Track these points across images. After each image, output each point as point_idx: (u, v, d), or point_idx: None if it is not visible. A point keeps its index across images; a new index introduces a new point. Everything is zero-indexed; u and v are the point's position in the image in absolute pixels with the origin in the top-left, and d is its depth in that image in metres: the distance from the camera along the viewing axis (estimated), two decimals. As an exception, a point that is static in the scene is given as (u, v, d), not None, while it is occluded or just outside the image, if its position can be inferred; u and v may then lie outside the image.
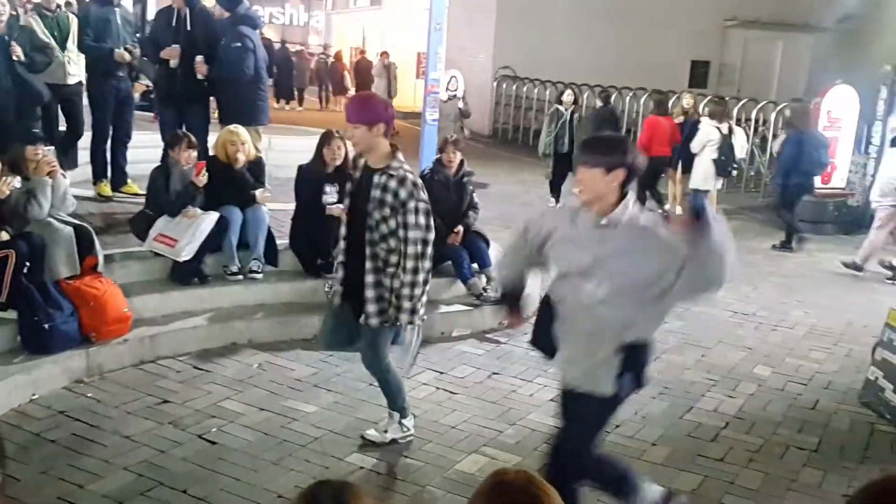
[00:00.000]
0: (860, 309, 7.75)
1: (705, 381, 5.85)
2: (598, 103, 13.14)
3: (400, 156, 4.24)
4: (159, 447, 4.41)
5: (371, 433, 4.67)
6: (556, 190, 11.14)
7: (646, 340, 3.38)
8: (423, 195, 4.21)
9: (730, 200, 12.27)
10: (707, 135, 10.19)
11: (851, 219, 10.87)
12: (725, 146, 10.10)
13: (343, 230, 4.43)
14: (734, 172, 10.67)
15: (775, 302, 7.83)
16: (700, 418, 5.23)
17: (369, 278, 4.22)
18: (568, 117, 11.06)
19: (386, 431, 4.65)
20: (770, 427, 5.17)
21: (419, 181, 4.28)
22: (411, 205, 4.13)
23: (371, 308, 4.23)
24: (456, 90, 11.94)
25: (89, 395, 4.98)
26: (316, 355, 5.82)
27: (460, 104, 11.89)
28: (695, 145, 10.25)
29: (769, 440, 4.99)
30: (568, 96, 11.31)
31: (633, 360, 3.33)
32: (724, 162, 10.14)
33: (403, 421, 4.66)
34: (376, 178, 4.17)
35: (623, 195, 3.25)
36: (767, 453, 4.83)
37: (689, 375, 5.93)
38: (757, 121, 14.25)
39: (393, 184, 4.13)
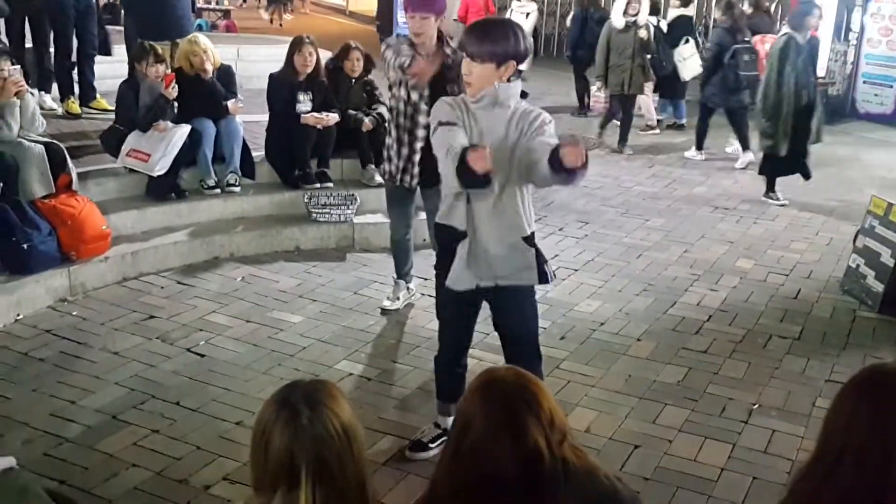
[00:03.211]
0: (842, 198, 7.80)
1: (688, 275, 5.90)
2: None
3: (451, 42, 4.36)
4: (148, 361, 4.41)
5: (387, 303, 5.13)
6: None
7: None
8: None
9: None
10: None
11: (832, 108, 10.83)
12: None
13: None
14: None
15: (756, 194, 7.84)
16: (684, 312, 5.29)
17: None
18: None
19: (399, 298, 5.13)
20: (753, 318, 5.24)
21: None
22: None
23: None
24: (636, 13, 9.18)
25: (74, 313, 4.96)
26: (299, 266, 5.80)
27: (643, 32, 9.21)
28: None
29: (752, 330, 5.07)
30: None
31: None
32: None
33: (410, 286, 5.17)
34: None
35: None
36: (750, 343, 4.90)
37: (672, 271, 5.98)
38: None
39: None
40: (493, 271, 3.34)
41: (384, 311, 5.11)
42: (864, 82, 11.22)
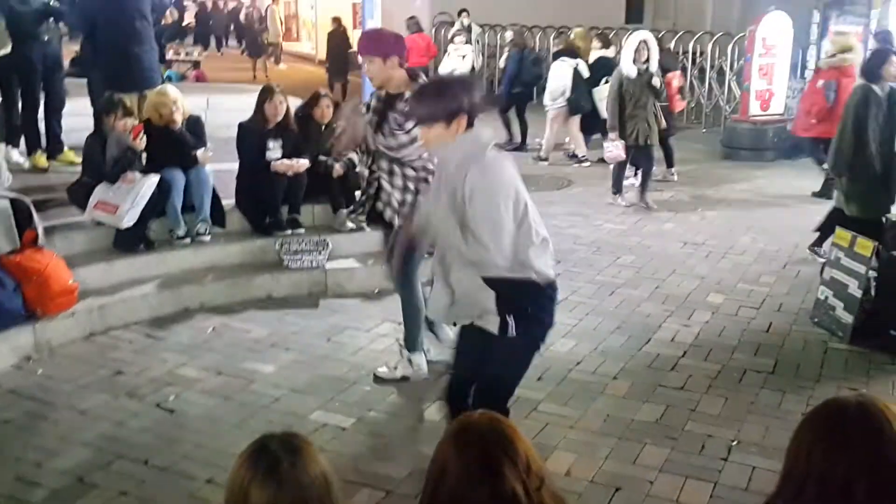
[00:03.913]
0: (806, 231, 7.88)
1: (661, 311, 5.91)
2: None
3: (421, 79, 4.31)
4: (116, 419, 4.31)
5: (382, 370, 4.81)
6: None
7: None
8: None
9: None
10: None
11: (790, 144, 10.99)
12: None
13: (365, 159, 4.62)
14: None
15: (723, 230, 7.92)
16: (658, 349, 5.29)
17: (396, 195, 4.41)
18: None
19: (396, 368, 4.78)
20: (727, 352, 5.25)
21: None
22: None
23: (388, 213, 4.44)
24: (647, 61, 8.62)
25: (40, 371, 4.85)
26: (271, 315, 5.74)
27: (656, 80, 8.68)
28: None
29: (727, 365, 5.07)
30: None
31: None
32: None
33: (413, 357, 4.75)
34: (399, 105, 4.28)
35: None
36: (726, 378, 4.90)
37: (645, 307, 5.99)
38: (694, 52, 14.30)
39: None
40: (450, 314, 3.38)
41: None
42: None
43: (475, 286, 3.23)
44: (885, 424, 1.72)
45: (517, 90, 11.58)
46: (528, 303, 3.28)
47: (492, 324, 3.26)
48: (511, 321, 3.24)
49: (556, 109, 10.73)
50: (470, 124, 3.21)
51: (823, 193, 8.81)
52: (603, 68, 10.38)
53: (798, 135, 9.62)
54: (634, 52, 8.55)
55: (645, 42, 8.57)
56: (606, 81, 9.98)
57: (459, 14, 15.21)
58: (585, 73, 10.54)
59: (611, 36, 12.40)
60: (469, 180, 3.11)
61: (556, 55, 11.00)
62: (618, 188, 8.93)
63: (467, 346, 3.52)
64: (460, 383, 3.59)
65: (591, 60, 10.81)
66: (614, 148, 8.64)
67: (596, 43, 11.11)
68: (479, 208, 3.09)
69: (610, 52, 11.03)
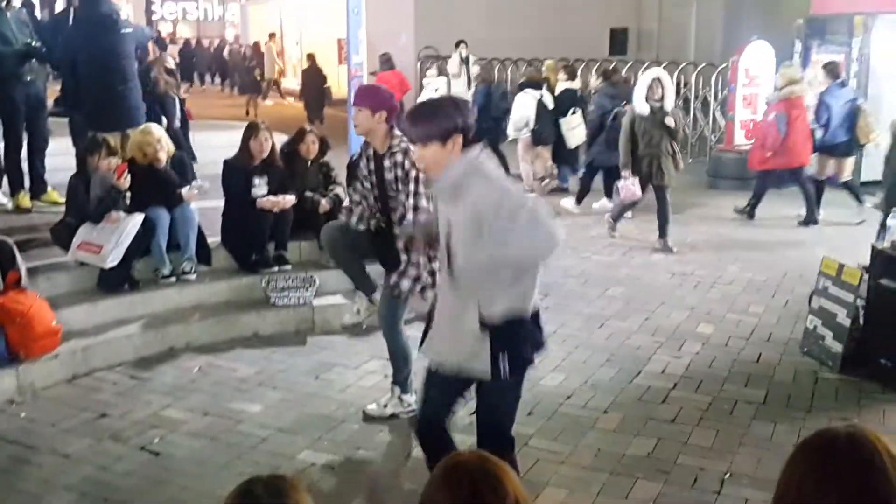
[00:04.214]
0: (793, 260, 7.91)
1: (651, 343, 5.88)
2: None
3: (396, 132, 4.46)
4: (100, 463, 4.24)
5: (371, 408, 4.78)
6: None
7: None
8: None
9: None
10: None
11: (778, 173, 11.05)
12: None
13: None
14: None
15: (711, 260, 7.93)
16: (649, 381, 5.26)
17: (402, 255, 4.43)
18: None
19: (386, 406, 4.76)
20: (717, 384, 5.22)
21: None
22: (413, 173, 4.34)
23: (405, 283, 4.43)
24: (661, 98, 8.20)
25: (23, 415, 4.77)
26: (258, 353, 5.69)
27: (670, 119, 8.21)
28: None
29: (718, 397, 5.04)
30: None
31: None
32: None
33: (403, 396, 4.74)
34: (386, 162, 4.44)
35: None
36: (717, 410, 4.87)
37: (634, 339, 5.96)
38: (678, 83, 14.42)
39: (399, 157, 4.40)
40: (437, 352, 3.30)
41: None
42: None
43: (471, 327, 3.12)
44: (876, 455, 1.72)
45: (486, 125, 11.25)
46: (522, 341, 3.19)
47: (480, 369, 3.16)
48: (504, 363, 3.14)
49: (522, 140, 10.78)
50: (465, 144, 3.17)
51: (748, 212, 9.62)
52: (569, 100, 10.60)
53: (755, 168, 9.83)
54: (647, 89, 8.15)
55: (659, 79, 8.21)
56: (574, 112, 10.52)
57: (457, 46, 14.99)
58: (550, 104, 10.65)
59: (580, 69, 12.78)
60: (482, 197, 3.06)
61: (521, 86, 11.09)
62: (615, 219, 8.80)
63: (438, 392, 3.41)
64: (430, 419, 3.50)
65: (557, 92, 10.95)
66: (630, 186, 8.31)
67: (562, 75, 11.25)
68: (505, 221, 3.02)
69: (576, 84, 11.22)
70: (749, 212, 9.70)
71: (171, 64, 10.88)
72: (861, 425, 1.81)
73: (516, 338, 3.17)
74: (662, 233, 8.41)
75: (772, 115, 9.33)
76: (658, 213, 8.43)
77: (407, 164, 4.36)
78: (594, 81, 10.66)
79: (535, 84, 10.83)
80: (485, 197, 3.05)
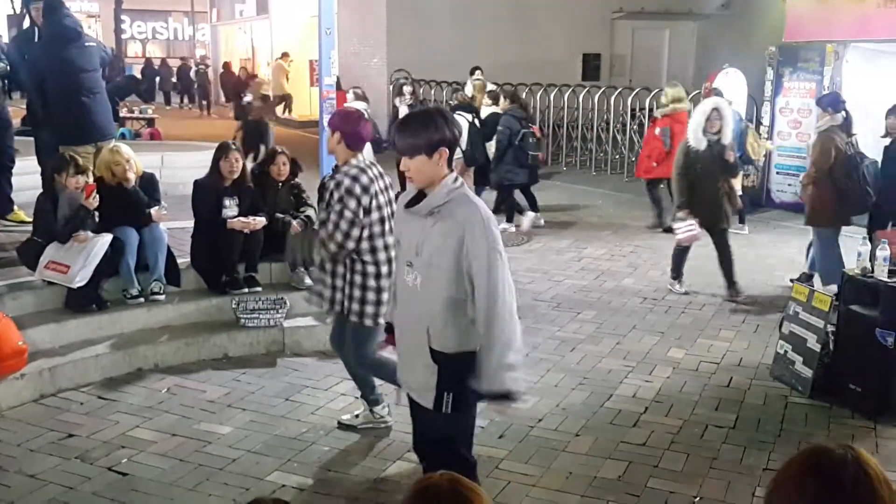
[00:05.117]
0: (764, 285, 7.98)
1: (622, 367, 5.90)
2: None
3: (354, 161, 4.44)
4: (67, 483, 4.16)
5: (345, 417, 4.90)
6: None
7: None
8: (352, 202, 4.31)
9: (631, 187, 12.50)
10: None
11: (749, 198, 11.19)
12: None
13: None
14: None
15: (697, 286, 7.94)
16: (620, 405, 5.27)
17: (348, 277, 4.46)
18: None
19: (357, 416, 4.87)
20: (688, 408, 5.24)
21: (356, 188, 4.34)
22: (336, 206, 4.33)
23: (355, 307, 4.45)
24: (719, 131, 7.37)
25: (-14, 436, 4.69)
26: (228, 374, 5.63)
27: (730, 154, 7.41)
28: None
29: (688, 420, 5.06)
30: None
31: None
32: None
33: (375, 409, 4.83)
34: (326, 180, 4.52)
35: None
36: (688, 434, 4.89)
37: (606, 363, 5.97)
38: (651, 109, 14.58)
39: (330, 184, 4.40)
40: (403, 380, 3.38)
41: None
42: (778, 173, 11.64)
43: (425, 360, 3.15)
44: (871, 477, 1.69)
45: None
46: (470, 377, 3.15)
47: (427, 400, 3.19)
48: (448, 399, 3.15)
49: (455, 162, 10.73)
50: (451, 157, 3.18)
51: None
52: (494, 123, 10.57)
53: (641, 177, 10.79)
54: (706, 120, 7.31)
55: (718, 110, 7.35)
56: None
57: (472, 72, 13.87)
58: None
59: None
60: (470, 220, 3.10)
61: (454, 109, 10.86)
62: (677, 273, 7.81)
63: (418, 412, 3.40)
64: (419, 441, 3.54)
65: (483, 115, 10.85)
66: (688, 228, 7.48)
67: (487, 100, 11.17)
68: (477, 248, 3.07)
69: (499, 108, 11.00)
70: (659, 223, 10.17)
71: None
72: (857, 448, 1.77)
73: (464, 374, 3.14)
74: (730, 281, 7.57)
75: (657, 130, 10.22)
76: (720, 260, 7.60)
77: (335, 194, 4.35)
78: (503, 103, 10.65)
79: (468, 107, 10.71)
80: (469, 217, 3.09)
